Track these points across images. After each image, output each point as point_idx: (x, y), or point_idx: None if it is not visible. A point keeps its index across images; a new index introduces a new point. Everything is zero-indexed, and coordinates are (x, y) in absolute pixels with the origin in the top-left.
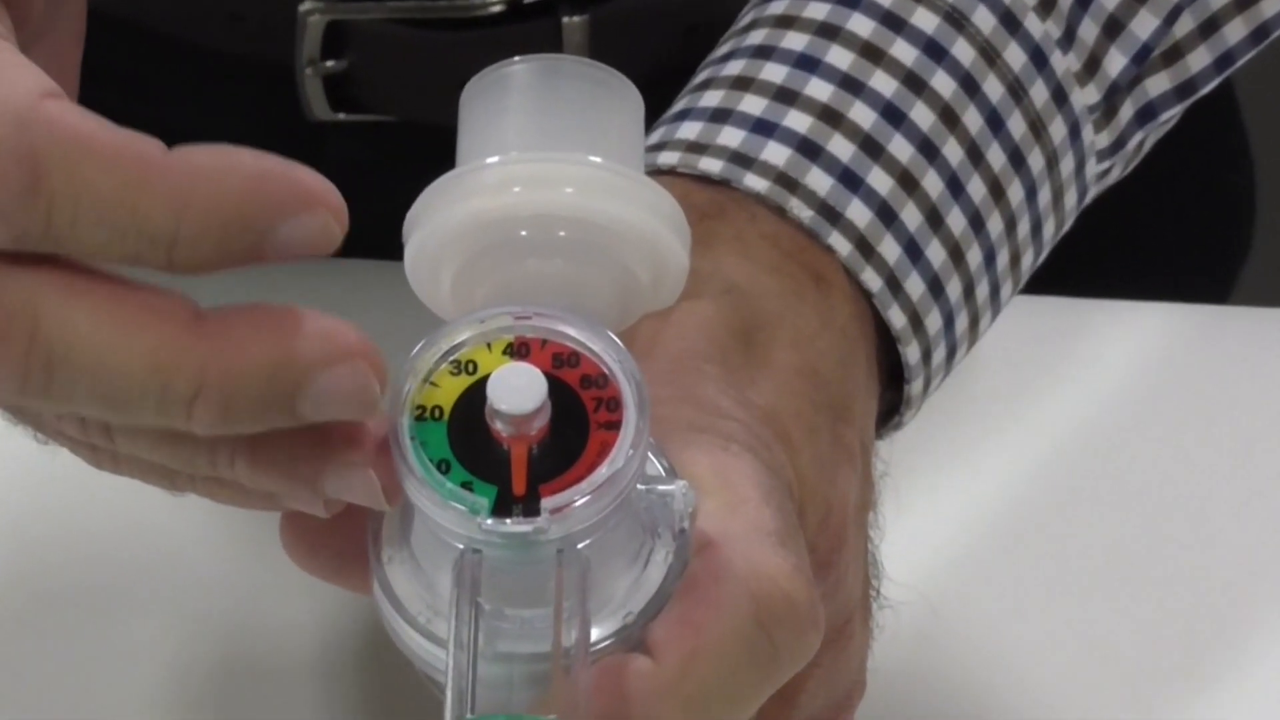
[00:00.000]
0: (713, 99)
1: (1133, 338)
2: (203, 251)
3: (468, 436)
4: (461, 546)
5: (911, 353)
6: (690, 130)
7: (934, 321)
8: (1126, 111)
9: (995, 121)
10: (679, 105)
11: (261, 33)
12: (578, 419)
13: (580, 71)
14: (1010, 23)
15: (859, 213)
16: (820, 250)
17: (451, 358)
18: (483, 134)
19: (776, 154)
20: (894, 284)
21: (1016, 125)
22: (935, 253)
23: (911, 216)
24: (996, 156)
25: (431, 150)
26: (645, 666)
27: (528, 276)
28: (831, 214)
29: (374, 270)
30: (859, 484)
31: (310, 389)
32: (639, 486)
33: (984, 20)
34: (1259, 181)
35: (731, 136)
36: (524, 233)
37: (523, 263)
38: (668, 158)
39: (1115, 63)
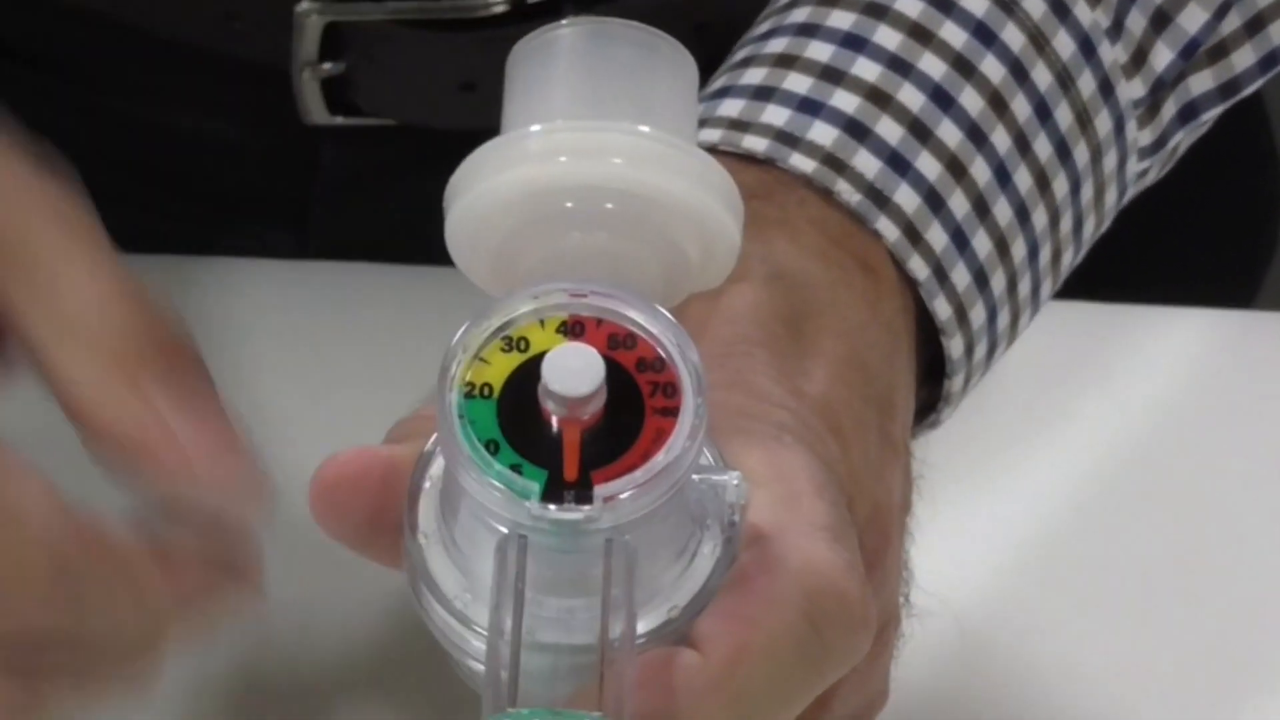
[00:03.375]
0: (755, 76)
1: (1164, 344)
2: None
3: (518, 416)
4: (505, 531)
5: (955, 346)
6: (732, 108)
7: (978, 315)
8: (1169, 109)
9: (1043, 111)
10: (718, 82)
11: (257, 34)
12: (633, 403)
13: (631, 35)
14: (1060, 9)
15: (907, 197)
16: (867, 238)
17: (503, 334)
18: (528, 100)
19: (823, 134)
20: (940, 273)
21: (1064, 116)
22: (981, 243)
23: (959, 204)
24: (1043, 147)
25: (430, 155)
26: (692, 660)
27: (571, 249)
28: (879, 198)
29: (371, 274)
30: (902, 482)
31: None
32: (692, 477)
33: (1034, 6)
34: None
35: (776, 115)
36: (569, 204)
37: (566, 235)
38: (709, 135)
39: (1162, 57)
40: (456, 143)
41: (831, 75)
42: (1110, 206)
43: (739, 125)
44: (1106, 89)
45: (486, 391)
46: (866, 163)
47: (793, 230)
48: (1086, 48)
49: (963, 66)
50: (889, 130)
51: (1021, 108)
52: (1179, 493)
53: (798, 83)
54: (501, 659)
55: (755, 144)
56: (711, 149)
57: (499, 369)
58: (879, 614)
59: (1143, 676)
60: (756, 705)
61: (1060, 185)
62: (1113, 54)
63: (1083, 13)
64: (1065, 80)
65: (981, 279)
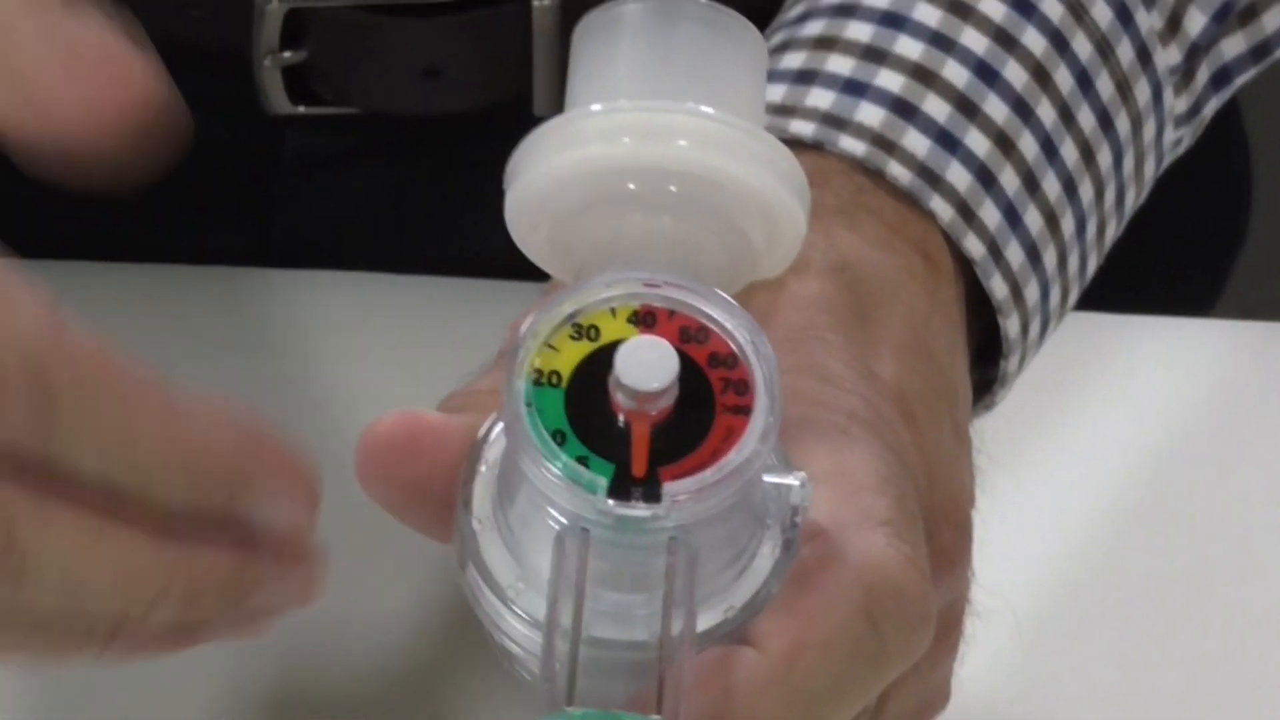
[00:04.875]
0: (795, 60)
1: (1170, 354)
2: (174, 490)
3: (586, 407)
4: (566, 523)
5: (1012, 325)
6: (775, 93)
7: (1032, 292)
8: (1203, 75)
9: (1085, 81)
10: None
11: (216, 22)
12: (704, 399)
13: (698, 14)
14: None
15: (959, 175)
16: (922, 224)
17: (574, 320)
18: (591, 78)
19: (871, 115)
20: (995, 251)
21: (1104, 86)
22: (1033, 219)
23: (1009, 180)
24: (1086, 118)
25: (394, 142)
26: (749, 657)
27: (633, 233)
28: (931, 177)
29: (330, 281)
30: (969, 476)
31: (261, 592)
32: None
33: None
34: (1255, 196)
35: (821, 98)
36: (632, 186)
37: (628, 217)
38: None
39: (1195, 22)
40: (420, 130)
41: (874, 55)
42: (1149, 177)
43: (784, 110)
44: (1144, 56)
45: (555, 380)
46: (916, 142)
47: (851, 218)
48: (1124, 15)
49: (1004, 40)
50: (936, 108)
51: (1064, 79)
52: (1200, 501)
53: (840, 64)
54: (559, 656)
55: (802, 128)
56: None
57: (568, 357)
58: (951, 614)
59: (1163, 686)
60: (815, 702)
61: (1104, 157)
62: (1149, 21)
63: None
64: (1104, 49)
65: (1034, 255)
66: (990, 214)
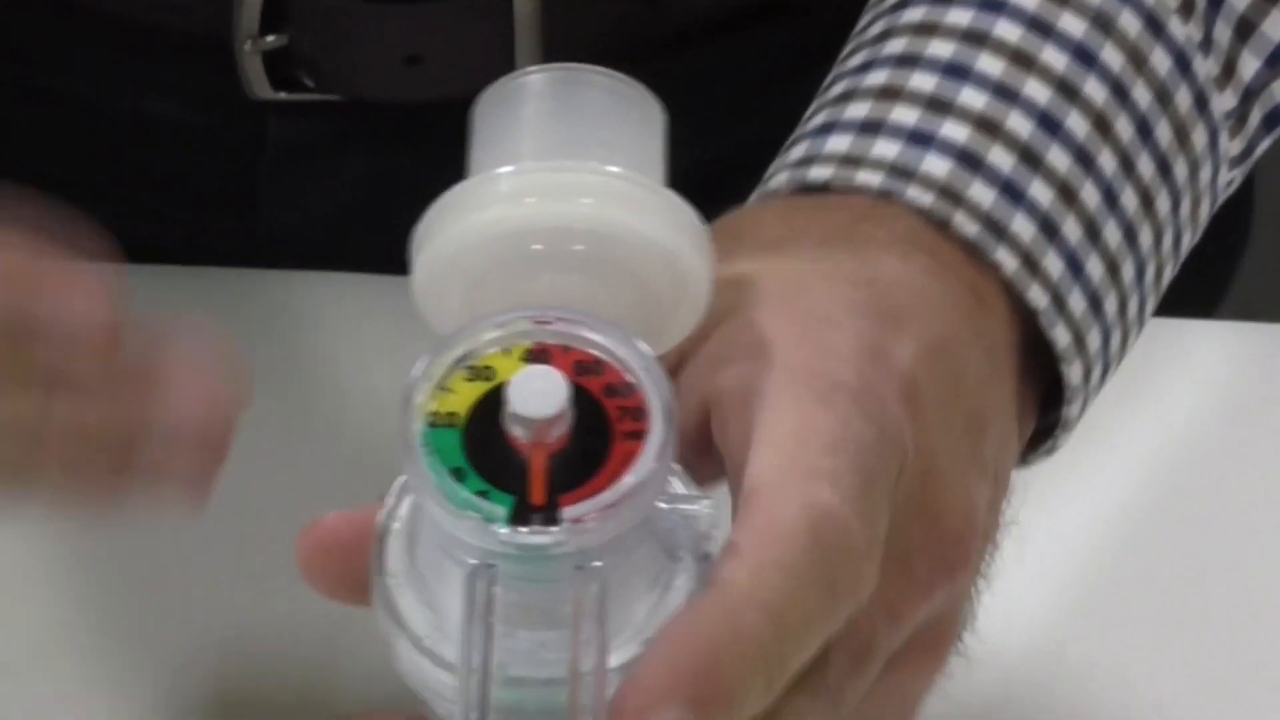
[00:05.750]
0: (859, 110)
1: (1174, 356)
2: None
3: (484, 445)
4: (474, 562)
5: (1074, 373)
6: (840, 143)
7: (1094, 339)
8: (1255, 117)
9: (1144, 130)
10: (819, 118)
11: (196, 6)
12: (601, 428)
13: (600, 82)
14: (1154, 26)
15: (1023, 226)
16: (979, 269)
17: (468, 363)
18: (495, 145)
19: (937, 166)
20: (1059, 301)
21: (1164, 133)
22: (1094, 267)
23: (1072, 230)
24: (1146, 166)
25: (376, 129)
26: (717, 590)
27: (542, 293)
28: (996, 228)
29: (320, 281)
30: (988, 510)
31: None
32: (662, 505)
33: (1130, 24)
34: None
35: (887, 148)
36: (538, 246)
37: (537, 278)
38: (820, 172)
39: (1249, 66)
40: (403, 117)
41: (939, 106)
42: (1203, 219)
43: (850, 161)
44: (1201, 103)
45: (452, 420)
46: (981, 194)
47: (903, 251)
48: (1181, 63)
49: (1067, 90)
50: (1001, 159)
51: (1124, 128)
52: (1203, 503)
53: (905, 114)
54: (471, 695)
55: (869, 179)
56: (824, 186)
57: (464, 398)
58: (941, 625)
59: (1166, 689)
60: (784, 621)
61: (1163, 203)
62: (1205, 67)
63: (1176, 28)
64: (1164, 97)
65: (1095, 303)
66: (1054, 264)
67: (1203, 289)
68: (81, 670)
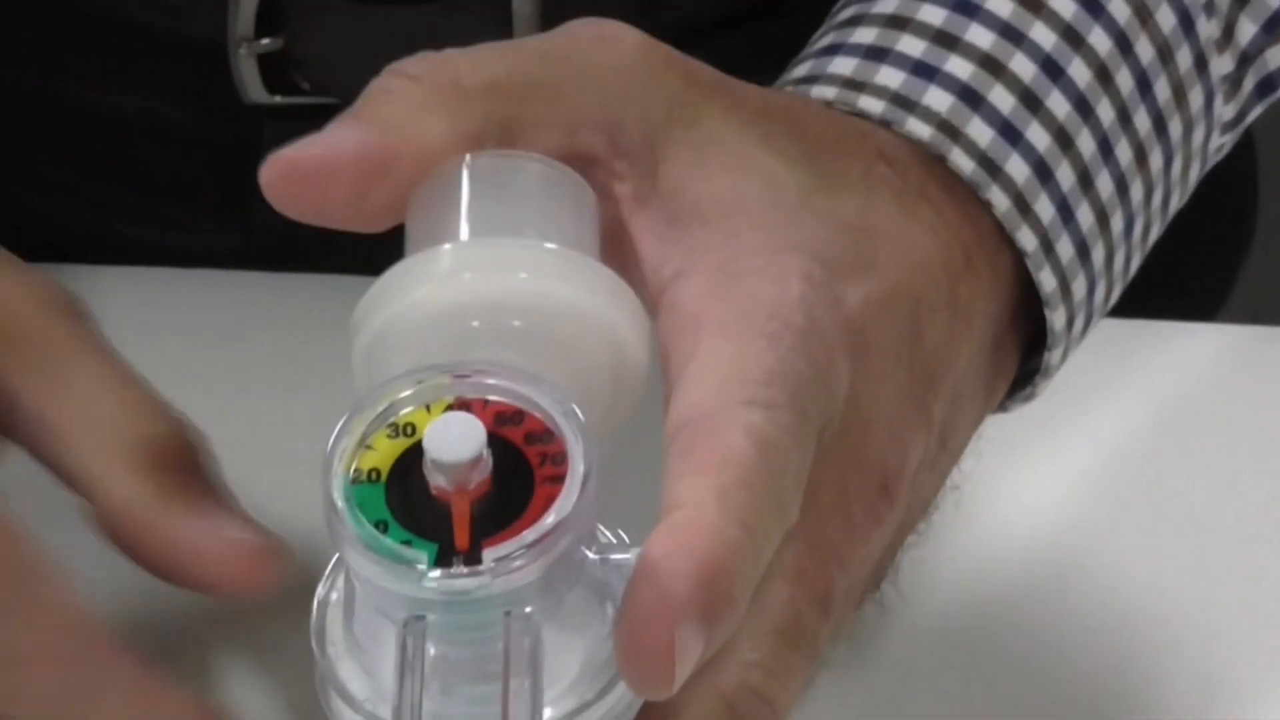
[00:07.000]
0: (866, 36)
1: (1176, 359)
2: None
3: (407, 498)
4: (404, 615)
5: (1058, 318)
6: (845, 65)
7: (1080, 287)
8: (1249, 83)
9: (1144, 84)
10: (825, 39)
11: (191, 8)
12: (523, 476)
13: (533, 167)
14: None
15: (1018, 168)
16: (974, 228)
17: (389, 420)
18: (431, 227)
19: (939, 100)
20: (1047, 245)
21: (1162, 90)
22: (1085, 215)
23: (1065, 176)
24: (1143, 120)
25: None
26: (692, 513)
27: None
28: (992, 167)
29: (316, 285)
30: (927, 467)
31: None
32: (593, 556)
33: None
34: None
35: (890, 77)
36: (475, 323)
37: (476, 355)
38: (823, 90)
39: (1245, 31)
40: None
41: (945, 40)
42: (1193, 181)
43: (853, 84)
44: (1201, 64)
45: (374, 477)
46: (980, 131)
47: (909, 206)
48: (1186, 22)
49: (1072, 37)
50: (1001, 99)
51: (1125, 80)
52: (1204, 506)
53: (911, 45)
54: None
55: (871, 105)
56: (827, 105)
57: (385, 454)
58: (844, 578)
59: (1161, 690)
60: (758, 536)
61: (1155, 159)
62: (1208, 29)
63: None
64: (1165, 54)
65: (1084, 251)
66: (1045, 208)
67: (1205, 292)
68: None
